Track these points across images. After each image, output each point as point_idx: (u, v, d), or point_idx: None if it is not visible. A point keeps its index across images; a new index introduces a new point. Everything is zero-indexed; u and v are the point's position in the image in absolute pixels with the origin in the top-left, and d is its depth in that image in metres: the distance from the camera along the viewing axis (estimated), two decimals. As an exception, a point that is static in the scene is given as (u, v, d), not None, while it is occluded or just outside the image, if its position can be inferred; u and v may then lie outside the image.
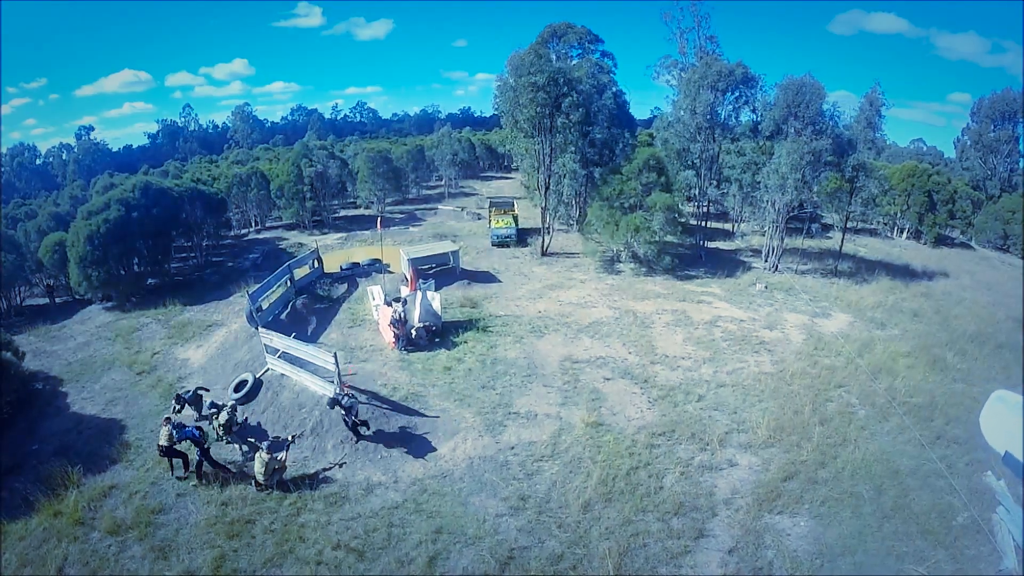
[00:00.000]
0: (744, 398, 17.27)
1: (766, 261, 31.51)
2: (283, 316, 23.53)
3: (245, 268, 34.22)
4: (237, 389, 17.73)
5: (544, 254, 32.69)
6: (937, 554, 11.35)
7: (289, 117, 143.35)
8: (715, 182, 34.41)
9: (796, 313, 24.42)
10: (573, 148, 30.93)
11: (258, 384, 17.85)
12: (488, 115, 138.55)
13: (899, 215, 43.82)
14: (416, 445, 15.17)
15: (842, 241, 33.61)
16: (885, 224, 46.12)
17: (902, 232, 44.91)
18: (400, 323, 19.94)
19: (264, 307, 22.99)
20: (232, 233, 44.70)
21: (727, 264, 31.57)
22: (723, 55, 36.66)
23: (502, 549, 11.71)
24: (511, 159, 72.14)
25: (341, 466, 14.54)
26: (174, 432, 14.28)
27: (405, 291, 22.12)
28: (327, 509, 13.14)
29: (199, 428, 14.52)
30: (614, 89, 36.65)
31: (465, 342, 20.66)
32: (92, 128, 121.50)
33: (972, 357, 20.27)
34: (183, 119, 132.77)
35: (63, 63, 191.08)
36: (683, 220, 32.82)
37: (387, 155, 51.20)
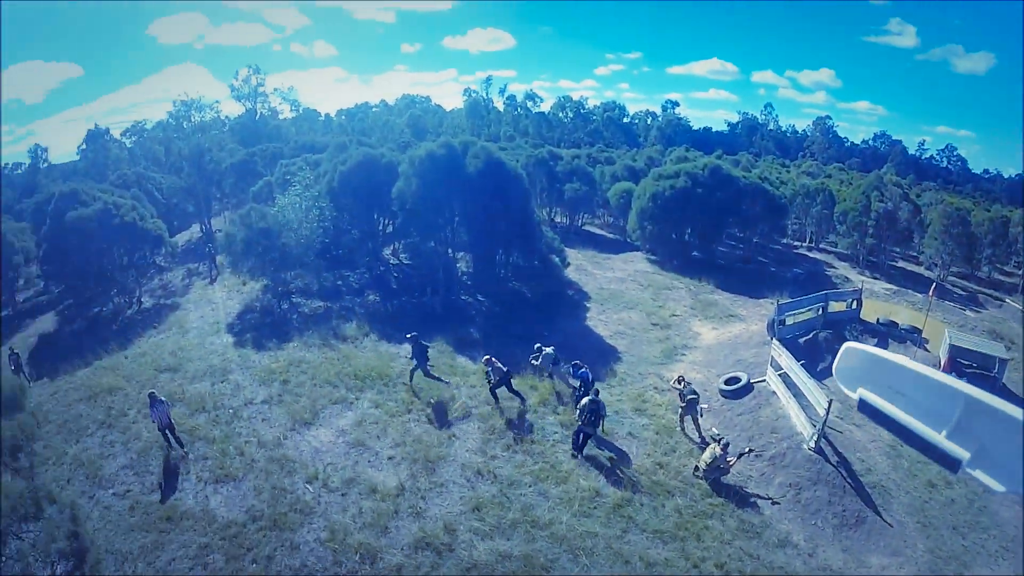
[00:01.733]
0: None
1: None
2: (801, 340, 24.94)
3: (786, 279, 36.59)
4: (728, 383, 20.51)
5: None
6: None
7: (870, 142, 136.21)
8: None
9: None
10: None
11: (748, 387, 20.15)
12: None
13: None
14: (851, 535, 15.01)
15: None
16: None
17: None
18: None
19: (787, 323, 24.72)
20: (783, 241, 47.90)
21: None
22: None
23: None
24: None
25: (773, 503, 15.62)
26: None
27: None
28: (735, 531, 14.54)
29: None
30: None
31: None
32: (677, 104, 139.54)
33: None
34: (763, 116, 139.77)
35: (657, 41, 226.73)
36: None
37: (966, 216, 46.08)
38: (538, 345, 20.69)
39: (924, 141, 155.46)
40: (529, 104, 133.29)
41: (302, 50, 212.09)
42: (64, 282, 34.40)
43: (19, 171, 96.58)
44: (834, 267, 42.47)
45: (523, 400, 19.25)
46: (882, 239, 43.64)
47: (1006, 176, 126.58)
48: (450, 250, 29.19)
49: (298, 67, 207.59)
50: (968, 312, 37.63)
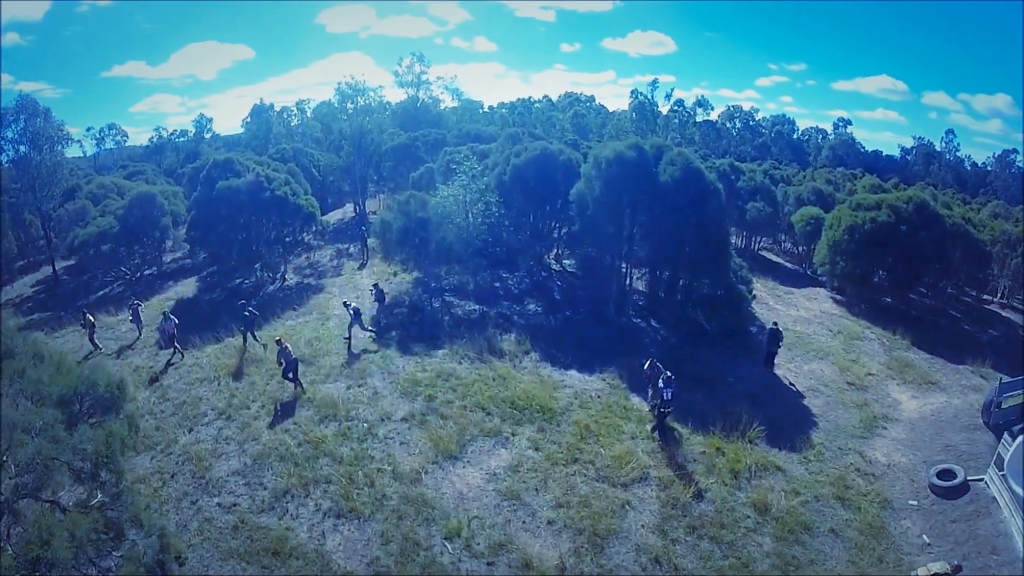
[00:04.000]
0: None
1: None
2: (1016, 428, 22.07)
3: (982, 341, 32.02)
4: (941, 477, 17.46)
5: None
6: None
7: None
8: None
9: None
10: None
11: (965, 487, 17.16)
12: None
13: None
14: None
15: None
16: None
17: None
18: None
19: (1004, 406, 20.92)
20: (974, 295, 42.83)
21: None
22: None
23: None
24: None
25: None
26: None
27: None
28: None
29: None
30: None
31: None
32: (850, 123, 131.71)
33: None
34: (942, 144, 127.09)
35: (823, 53, 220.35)
36: None
37: None
38: (651, 360, 18.86)
39: None
40: (699, 111, 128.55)
41: (463, 45, 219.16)
42: (208, 249, 34.62)
43: (183, 139, 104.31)
44: (1044, 332, 36.91)
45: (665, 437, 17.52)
46: (1108, 307, 37.49)
47: None
48: (624, 265, 27.03)
49: (459, 61, 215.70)
50: None
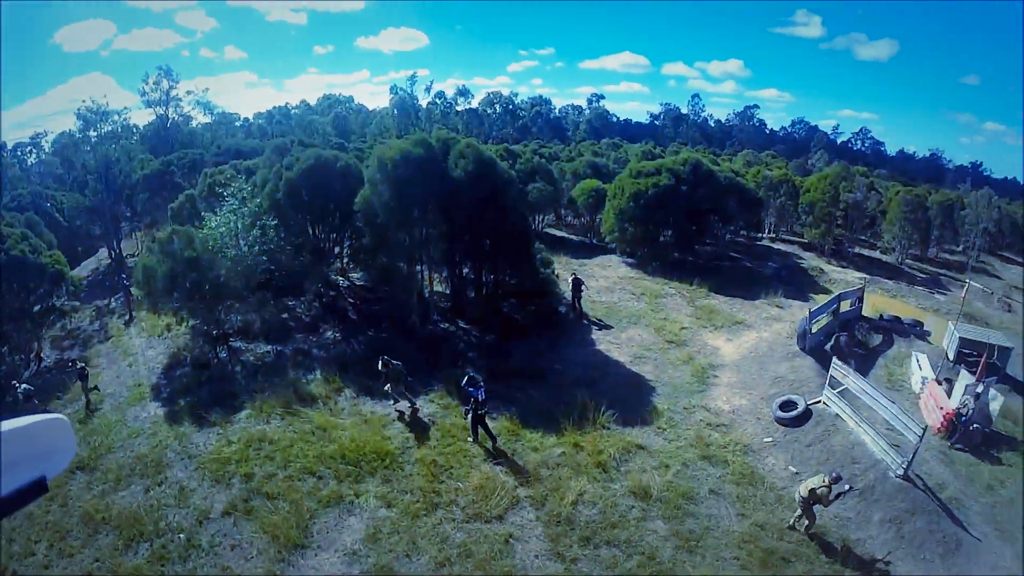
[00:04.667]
0: None
1: None
2: (827, 348, 23.81)
3: (767, 275, 35.38)
4: (784, 408, 18.34)
5: None
6: None
7: (789, 128, 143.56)
8: None
9: None
10: None
11: (807, 413, 18.17)
12: (999, 176, 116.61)
13: None
14: (957, 562, 13.70)
15: None
16: None
17: None
18: (963, 417, 18.95)
19: (813, 330, 23.37)
20: (745, 235, 47.22)
21: None
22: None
23: None
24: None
25: (886, 562, 13.52)
26: None
27: (965, 377, 19.92)
28: None
29: None
30: None
31: (1009, 464, 17.62)
32: (603, 96, 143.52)
33: None
34: (689, 108, 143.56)
35: (569, 37, 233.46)
36: None
37: (924, 202, 47.19)
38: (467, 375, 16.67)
39: (837, 125, 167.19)
40: (460, 100, 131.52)
41: (212, 55, 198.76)
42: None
43: None
44: (802, 258, 42.17)
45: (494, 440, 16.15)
46: (849, 228, 43.64)
47: (919, 156, 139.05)
48: (422, 269, 24.93)
49: (208, 72, 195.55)
50: (938, 295, 37.73)
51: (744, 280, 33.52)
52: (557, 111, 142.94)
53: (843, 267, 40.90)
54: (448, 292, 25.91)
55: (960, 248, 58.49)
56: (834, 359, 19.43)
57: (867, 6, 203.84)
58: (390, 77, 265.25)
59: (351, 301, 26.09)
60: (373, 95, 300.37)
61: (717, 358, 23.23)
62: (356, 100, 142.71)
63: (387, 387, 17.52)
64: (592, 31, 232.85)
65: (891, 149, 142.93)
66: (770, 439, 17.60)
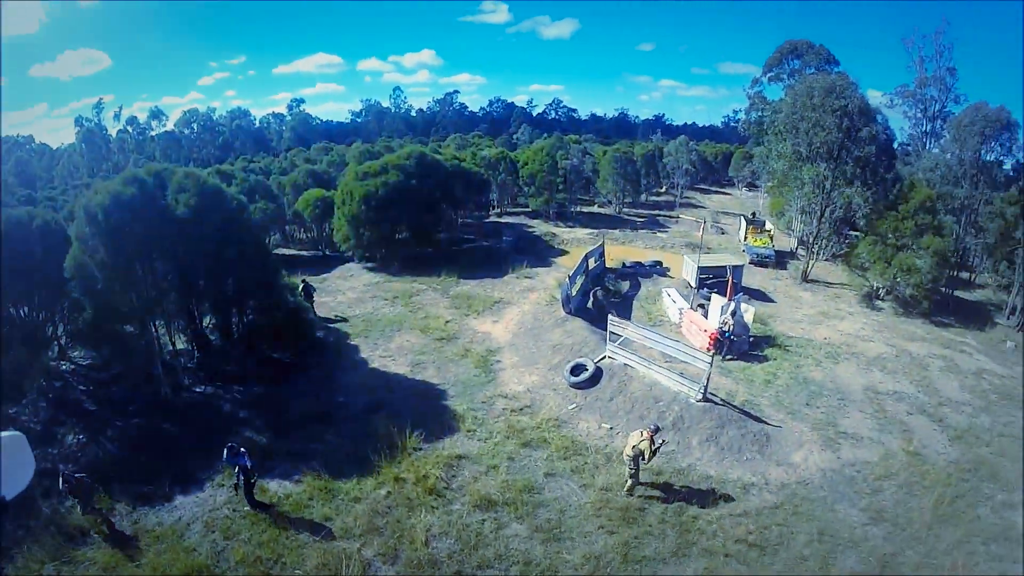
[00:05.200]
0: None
1: (1009, 318, 30.53)
2: (589, 306, 25.97)
3: (506, 250, 37.01)
4: (575, 373, 19.34)
5: (805, 279, 33.22)
6: None
7: (488, 108, 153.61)
8: (972, 231, 33.83)
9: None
10: (859, 181, 30.59)
11: (599, 371, 19.39)
12: (680, 123, 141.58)
13: None
14: (772, 450, 16.63)
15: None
16: None
17: None
18: (727, 333, 22.10)
19: (573, 293, 25.39)
20: (475, 214, 48.89)
21: (970, 315, 30.48)
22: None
23: (875, 555, 13.01)
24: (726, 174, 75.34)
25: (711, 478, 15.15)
26: None
27: (719, 301, 23.18)
28: (710, 505, 14.21)
29: None
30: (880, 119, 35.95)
31: (773, 358, 22.31)
32: (303, 101, 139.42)
33: None
34: (391, 102, 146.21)
35: (261, 43, 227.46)
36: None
37: (631, 157, 53.60)
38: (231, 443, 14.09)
39: (531, 100, 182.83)
40: (155, 123, 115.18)
41: None
42: None
43: None
44: (532, 226, 45.44)
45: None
46: (569, 191, 47.72)
47: (608, 117, 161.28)
48: (157, 327, 20.04)
49: None
50: (660, 234, 43.43)
51: (486, 260, 34.55)
52: (258, 122, 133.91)
53: (570, 227, 45.13)
54: (195, 345, 21.79)
55: (663, 189, 68.38)
56: (609, 315, 21.01)
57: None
58: (72, 108, 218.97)
59: (84, 389, 20.44)
60: (54, 131, 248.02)
61: (491, 342, 23.43)
62: (37, 139, 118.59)
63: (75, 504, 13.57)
64: (283, 34, 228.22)
65: (583, 114, 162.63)
66: (574, 406, 18.41)
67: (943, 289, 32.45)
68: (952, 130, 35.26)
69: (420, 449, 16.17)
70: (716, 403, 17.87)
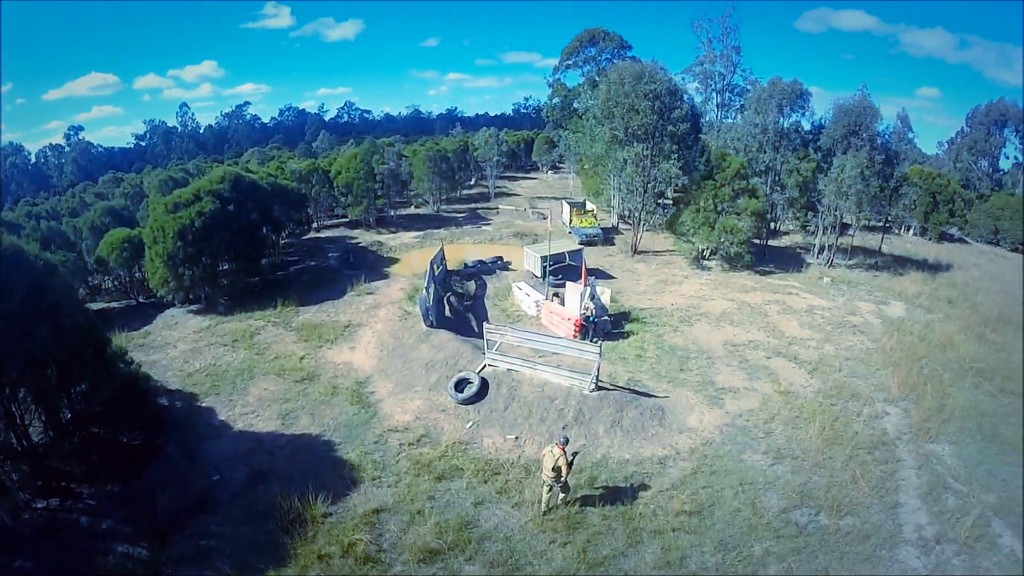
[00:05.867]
0: (867, 367, 21.38)
1: (817, 257, 35.93)
2: (447, 314, 25.04)
3: (335, 267, 34.24)
4: (459, 388, 18.16)
5: (635, 252, 35.49)
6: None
7: (279, 118, 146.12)
8: (778, 188, 38.47)
9: (864, 302, 28.62)
10: (675, 156, 33.26)
11: (484, 382, 18.39)
12: (471, 115, 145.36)
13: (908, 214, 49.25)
14: (670, 421, 17.24)
15: (882, 241, 39.02)
16: (892, 222, 51.57)
17: (908, 229, 50.33)
18: (590, 318, 22.47)
19: (430, 304, 23.95)
20: (295, 232, 44.95)
21: (786, 260, 35.28)
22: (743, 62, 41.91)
23: (791, 488, 14.30)
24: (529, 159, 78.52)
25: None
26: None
27: (574, 288, 23.50)
28: (640, 487, 14.42)
29: None
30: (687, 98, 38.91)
31: (635, 332, 23.30)
32: (82, 128, 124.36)
33: (1003, 334, 25.45)
34: (177, 120, 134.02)
35: (27, 68, 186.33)
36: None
37: (445, 154, 52.57)
38: None
39: (322, 105, 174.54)
40: None
41: None
42: None
43: None
44: (354, 237, 42.56)
45: None
46: (389, 196, 46.43)
47: (401, 116, 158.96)
48: None
49: None
50: (484, 227, 43.47)
51: (318, 280, 31.55)
52: (34, 156, 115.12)
53: (394, 232, 43.18)
54: (24, 453, 16.83)
55: (473, 182, 68.28)
56: (484, 324, 20.22)
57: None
58: None
59: None
60: None
61: (357, 372, 21.20)
62: None
63: None
64: (50, 53, 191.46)
65: (377, 114, 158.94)
66: (471, 424, 17.33)
67: (757, 241, 36.46)
68: (753, 103, 39.66)
69: (329, 515, 13.76)
70: (608, 389, 18.07)
